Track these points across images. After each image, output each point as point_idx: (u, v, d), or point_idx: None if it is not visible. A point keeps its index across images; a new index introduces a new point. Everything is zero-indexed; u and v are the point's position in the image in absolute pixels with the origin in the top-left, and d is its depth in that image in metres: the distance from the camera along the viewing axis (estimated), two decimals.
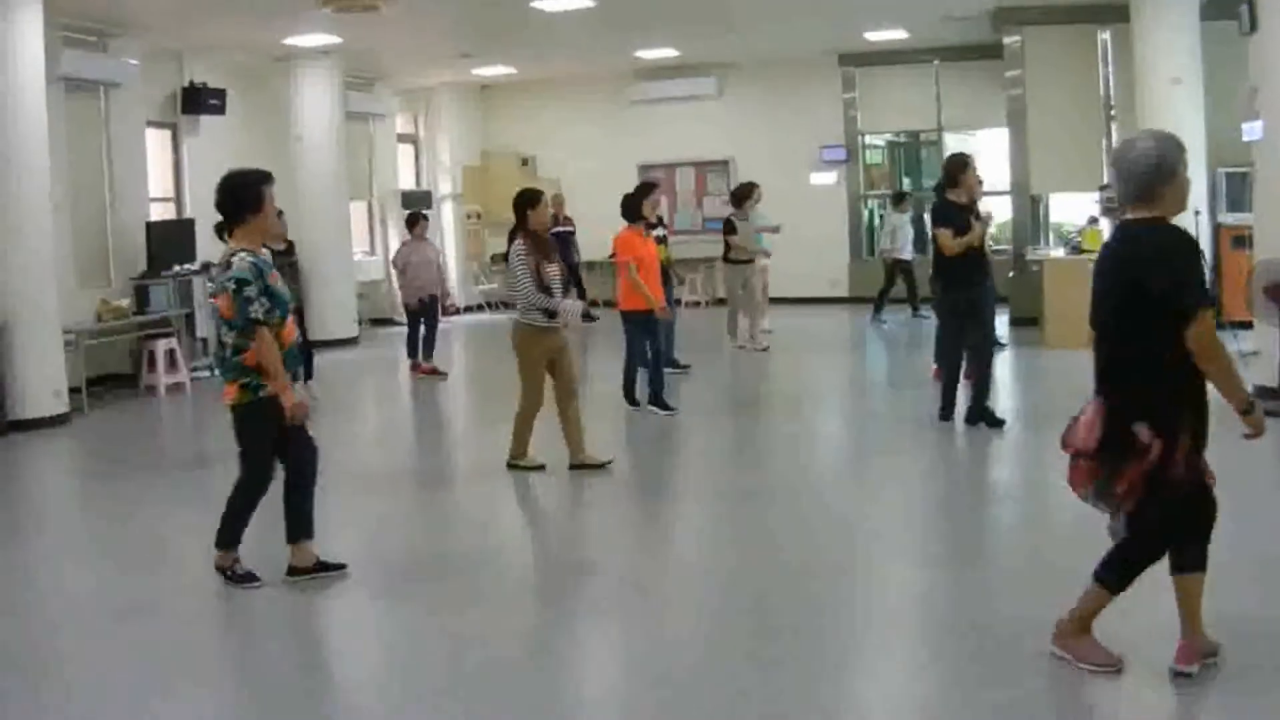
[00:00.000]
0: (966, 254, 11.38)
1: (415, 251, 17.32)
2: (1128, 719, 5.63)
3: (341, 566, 7.90)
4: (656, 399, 13.18)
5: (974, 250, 11.44)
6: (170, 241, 17.51)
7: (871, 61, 23.84)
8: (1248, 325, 13.74)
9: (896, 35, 21.66)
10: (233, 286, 7.43)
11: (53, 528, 10.16)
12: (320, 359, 16.35)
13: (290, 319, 7.70)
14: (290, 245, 14.75)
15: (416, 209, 19.15)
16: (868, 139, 25.01)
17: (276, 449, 7.73)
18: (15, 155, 13.54)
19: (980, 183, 11.79)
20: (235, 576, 7.72)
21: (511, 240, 10.65)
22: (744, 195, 18.03)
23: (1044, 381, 15.06)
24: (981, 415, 11.58)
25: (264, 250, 7.88)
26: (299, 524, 7.82)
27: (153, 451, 11.62)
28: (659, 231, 15.13)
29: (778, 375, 16.74)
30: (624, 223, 13.29)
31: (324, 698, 6.24)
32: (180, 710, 5.96)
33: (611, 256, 14.75)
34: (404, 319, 17.67)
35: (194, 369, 17.00)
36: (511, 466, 10.77)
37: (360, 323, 21.60)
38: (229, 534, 7.77)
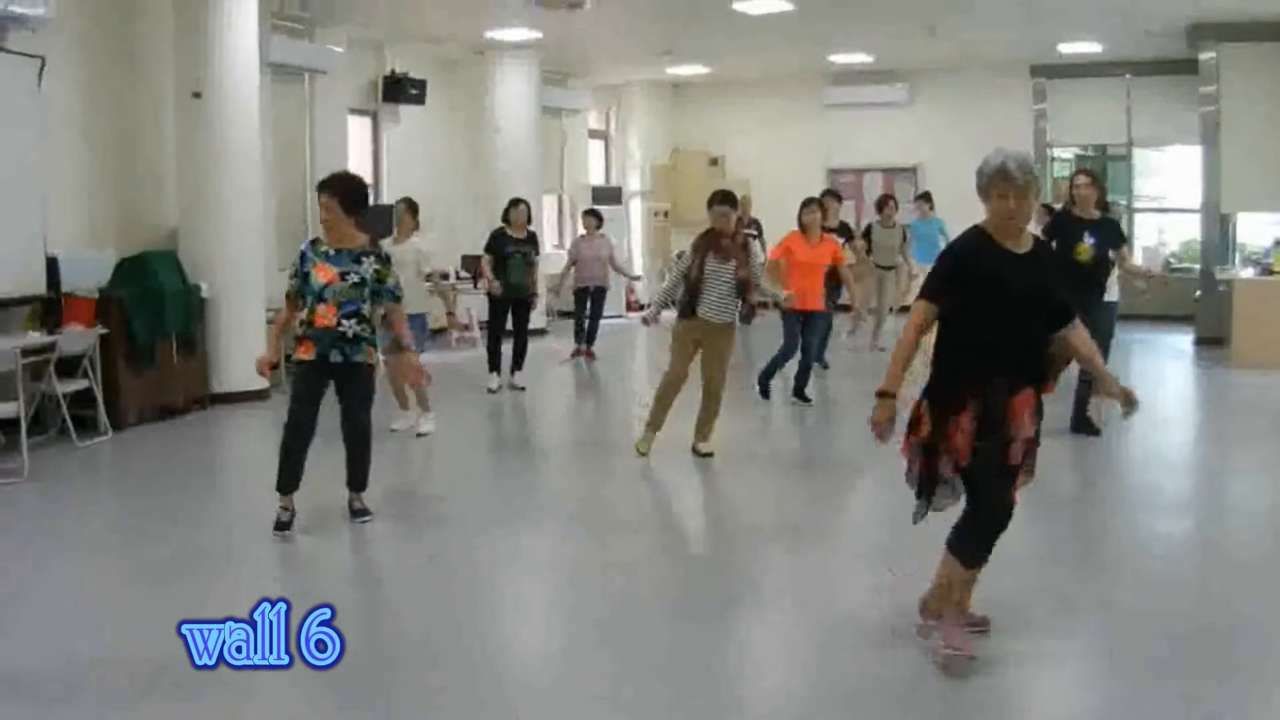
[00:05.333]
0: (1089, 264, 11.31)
1: (587, 246, 18.23)
2: None
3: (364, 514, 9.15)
4: (799, 392, 14.04)
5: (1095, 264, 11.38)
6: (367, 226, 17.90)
7: (1062, 74, 23.47)
8: None
9: (1090, 48, 21.37)
10: None
11: (241, 494, 10.58)
12: (505, 347, 16.69)
13: (321, 306, 8.61)
14: (530, 235, 15.44)
15: (593, 206, 19.72)
16: (1056, 151, 24.72)
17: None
18: (230, 139, 13.96)
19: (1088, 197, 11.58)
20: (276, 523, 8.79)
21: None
22: (883, 204, 18.33)
23: (1234, 400, 15.09)
24: (1083, 425, 11.76)
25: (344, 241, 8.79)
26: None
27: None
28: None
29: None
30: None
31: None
32: None
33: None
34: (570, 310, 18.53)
35: (387, 351, 17.39)
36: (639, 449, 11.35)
37: (549, 315, 21.93)
38: (278, 478, 8.82)
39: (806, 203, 13.82)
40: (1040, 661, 6.26)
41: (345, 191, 8.75)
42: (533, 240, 15.54)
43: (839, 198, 16.79)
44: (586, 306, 18.40)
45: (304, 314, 8.69)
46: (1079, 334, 6.12)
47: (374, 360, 8.92)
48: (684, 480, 10.94)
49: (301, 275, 8.70)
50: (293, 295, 8.80)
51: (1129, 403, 6.08)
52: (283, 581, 7.86)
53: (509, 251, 15.19)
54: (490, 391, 15.10)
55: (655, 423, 11.26)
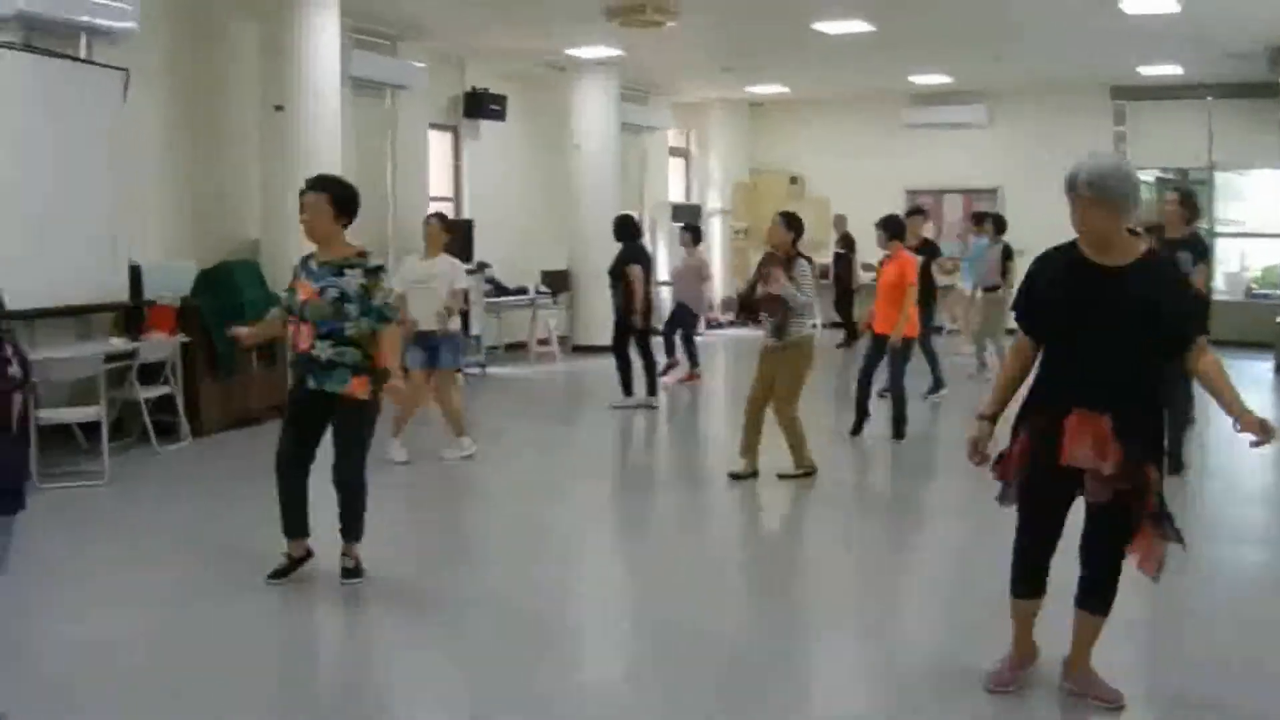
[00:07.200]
0: None
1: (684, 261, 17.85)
2: None
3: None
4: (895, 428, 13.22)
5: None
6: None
7: (1143, 95, 23.35)
8: None
9: (1170, 70, 21.30)
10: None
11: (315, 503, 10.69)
12: (585, 363, 16.93)
13: (302, 327, 7.73)
14: (620, 251, 15.32)
15: (689, 222, 19.45)
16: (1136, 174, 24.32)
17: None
18: (312, 152, 14.15)
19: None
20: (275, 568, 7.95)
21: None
22: (980, 221, 18.07)
23: None
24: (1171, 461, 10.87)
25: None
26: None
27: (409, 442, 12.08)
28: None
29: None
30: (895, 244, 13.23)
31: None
32: None
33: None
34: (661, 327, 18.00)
35: (467, 365, 17.58)
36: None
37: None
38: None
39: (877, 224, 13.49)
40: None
41: (338, 190, 7.97)
42: (620, 257, 15.30)
43: (923, 213, 16.46)
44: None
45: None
46: (1206, 359, 5.61)
47: (362, 393, 7.70)
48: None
49: (289, 292, 7.97)
50: (281, 313, 8.10)
51: (1265, 431, 5.43)
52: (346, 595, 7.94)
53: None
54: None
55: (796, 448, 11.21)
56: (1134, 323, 5.48)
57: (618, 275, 15.14)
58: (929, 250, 15.71)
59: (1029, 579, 5.88)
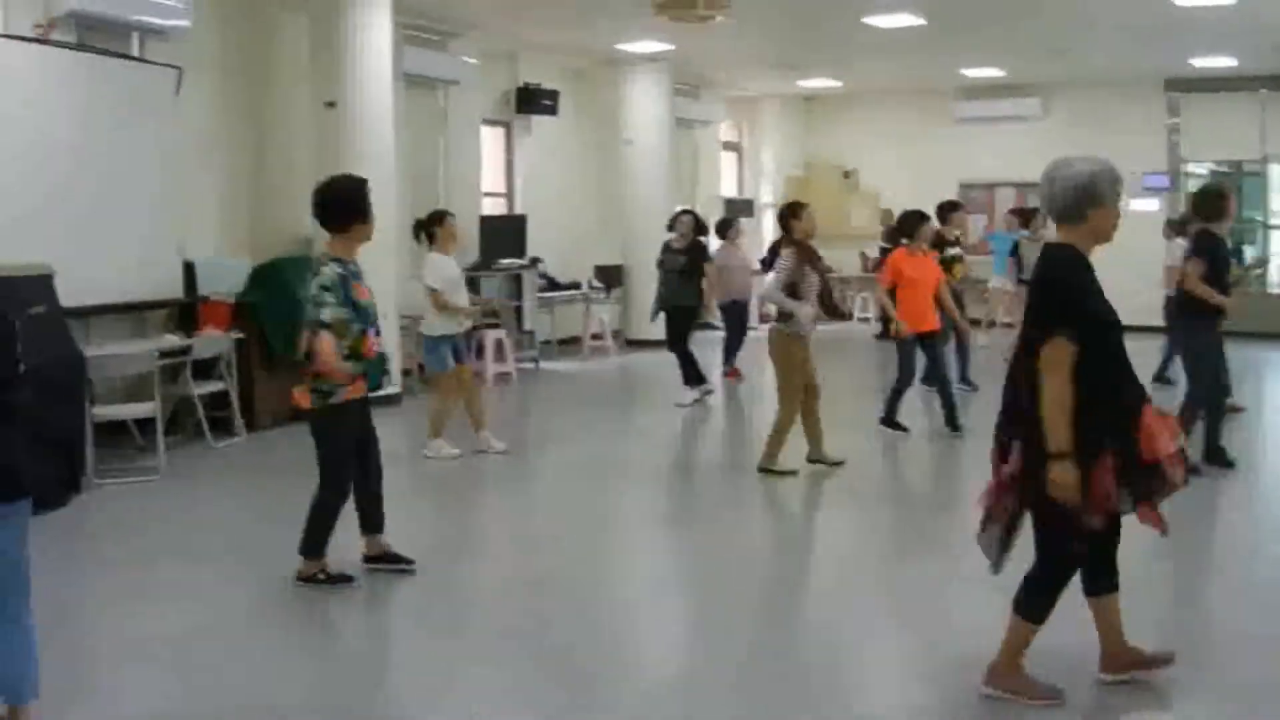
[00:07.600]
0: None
1: (728, 256, 17.02)
2: None
3: (409, 561, 8.07)
4: (950, 421, 12.86)
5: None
6: (501, 236, 18.13)
7: (1197, 88, 23.13)
8: None
9: (1224, 62, 21.11)
10: (314, 294, 7.49)
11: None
12: (638, 358, 16.81)
13: (370, 330, 7.59)
14: (689, 245, 15.43)
15: (732, 215, 19.22)
16: (1190, 167, 24.23)
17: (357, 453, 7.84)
18: (364, 148, 14.14)
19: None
20: (329, 579, 7.77)
21: (777, 249, 11.28)
22: (1029, 216, 17.83)
23: None
24: (1215, 456, 10.71)
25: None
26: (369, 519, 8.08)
27: (467, 436, 12.09)
28: (955, 251, 14.92)
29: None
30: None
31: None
32: None
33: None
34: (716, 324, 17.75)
35: (520, 360, 17.62)
36: (763, 470, 11.01)
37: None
38: (314, 542, 7.76)
39: (916, 216, 13.21)
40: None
41: None
42: (689, 250, 15.38)
43: (959, 207, 16.11)
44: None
45: (347, 345, 7.46)
46: None
47: None
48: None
49: (348, 302, 7.50)
50: (338, 326, 7.45)
51: None
52: (391, 587, 8.00)
53: (661, 262, 15.46)
54: (678, 405, 14.98)
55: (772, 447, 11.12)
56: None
57: (690, 271, 15.26)
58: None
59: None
